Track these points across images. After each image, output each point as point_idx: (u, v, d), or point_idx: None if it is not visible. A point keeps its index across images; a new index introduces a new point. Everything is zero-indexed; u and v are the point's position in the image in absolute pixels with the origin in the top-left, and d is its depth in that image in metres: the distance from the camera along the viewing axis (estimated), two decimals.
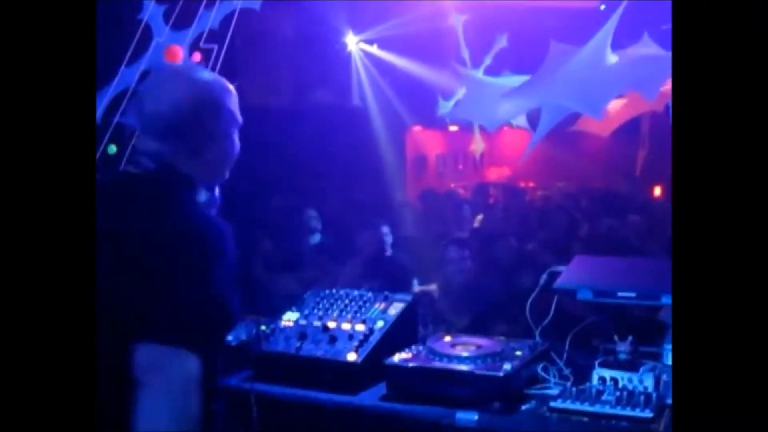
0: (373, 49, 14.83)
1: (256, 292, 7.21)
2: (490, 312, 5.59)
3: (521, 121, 13.20)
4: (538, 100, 10.03)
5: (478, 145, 18.55)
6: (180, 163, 2.72)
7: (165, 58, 7.43)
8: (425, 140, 18.88)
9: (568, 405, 3.27)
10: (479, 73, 12.51)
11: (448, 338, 3.75)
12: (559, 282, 3.74)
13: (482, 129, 14.54)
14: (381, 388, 3.55)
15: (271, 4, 8.33)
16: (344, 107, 14.80)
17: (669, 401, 3.25)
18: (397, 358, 3.56)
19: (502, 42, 13.32)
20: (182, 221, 2.60)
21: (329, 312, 3.94)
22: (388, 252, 8.47)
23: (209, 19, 7.62)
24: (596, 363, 3.49)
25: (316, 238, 9.60)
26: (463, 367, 3.43)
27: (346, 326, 3.80)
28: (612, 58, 8.87)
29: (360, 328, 3.77)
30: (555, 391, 3.43)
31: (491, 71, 12.61)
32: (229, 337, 3.97)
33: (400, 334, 3.79)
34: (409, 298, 3.98)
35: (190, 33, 7.50)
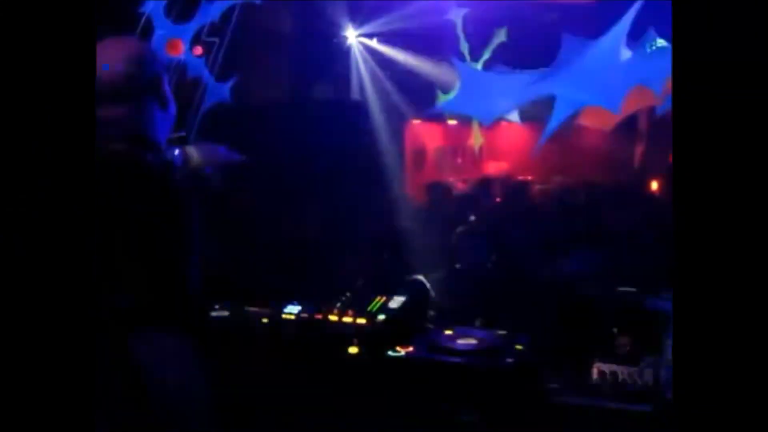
0: (373, 43, 14.83)
1: (257, 286, 7.22)
2: (491, 305, 5.59)
3: (514, 116, 13.22)
4: (553, 93, 10.02)
5: (477, 138, 18.58)
6: (139, 125, 2.77)
7: (166, 51, 7.45)
8: (424, 134, 18.85)
9: (569, 399, 3.28)
10: (478, 67, 12.52)
11: (449, 332, 3.75)
12: (560, 276, 3.76)
13: (481, 122, 14.58)
14: (383, 381, 3.56)
15: None
16: (343, 101, 14.79)
17: (669, 395, 3.26)
18: (399, 351, 3.57)
19: (501, 36, 13.33)
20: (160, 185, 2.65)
21: (331, 305, 3.94)
22: (389, 245, 8.47)
23: (210, 12, 7.63)
24: (596, 357, 3.49)
25: (316, 231, 9.60)
26: (465, 361, 3.44)
27: (347, 319, 3.81)
28: (626, 53, 8.89)
29: (362, 321, 3.77)
30: (555, 385, 3.44)
31: (490, 65, 12.63)
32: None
33: (401, 327, 3.79)
34: (410, 291, 3.98)
35: (192, 26, 7.50)
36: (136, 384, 2.57)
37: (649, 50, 8.89)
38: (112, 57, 2.76)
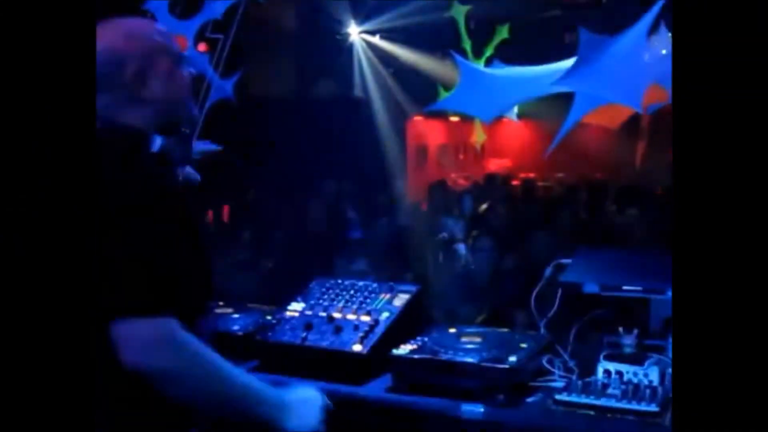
0: (376, 40, 14.84)
1: (258, 281, 7.23)
2: (495, 304, 5.59)
3: (512, 115, 13.21)
4: (572, 90, 10.01)
5: (479, 135, 18.58)
6: (118, 116, 2.71)
7: None
8: (426, 130, 18.89)
9: (574, 398, 3.27)
10: (480, 64, 12.52)
11: (453, 330, 3.75)
12: (565, 275, 3.74)
13: (482, 120, 14.57)
14: (386, 380, 3.56)
15: None
16: (346, 97, 14.80)
17: None
18: (403, 349, 3.56)
19: (503, 33, 13.33)
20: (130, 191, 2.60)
21: (334, 302, 3.93)
22: (390, 242, 8.48)
23: (214, 9, 7.64)
24: (601, 356, 3.48)
25: (320, 227, 9.61)
26: (469, 359, 3.43)
27: (351, 317, 3.80)
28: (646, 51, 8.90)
29: (365, 318, 3.77)
30: (560, 384, 3.43)
31: (492, 62, 12.62)
32: (235, 327, 3.99)
33: (405, 325, 3.78)
34: (414, 289, 3.98)
35: (196, 23, 7.51)
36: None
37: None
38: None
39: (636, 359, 3.45)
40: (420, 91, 14.44)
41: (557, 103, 13.68)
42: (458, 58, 12.11)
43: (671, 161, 2.35)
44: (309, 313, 3.89)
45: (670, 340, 3.60)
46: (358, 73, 14.91)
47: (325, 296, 3.99)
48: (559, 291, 3.78)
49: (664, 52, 8.96)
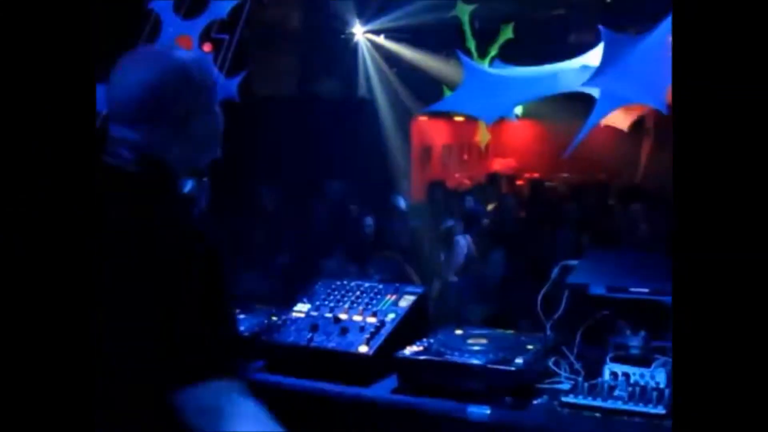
0: (380, 40, 14.83)
1: (260, 282, 7.23)
2: (501, 305, 5.59)
3: (512, 115, 13.17)
4: (595, 90, 9.99)
5: (483, 135, 18.56)
6: (157, 150, 2.61)
7: None
8: (431, 130, 18.87)
9: (580, 400, 3.26)
10: (485, 64, 12.51)
11: (459, 331, 3.74)
12: (571, 276, 3.73)
13: (486, 121, 14.54)
14: (392, 381, 3.55)
15: None
16: (351, 97, 14.80)
17: None
18: (409, 350, 3.55)
19: (507, 33, 13.32)
20: (168, 229, 2.50)
21: (340, 303, 3.93)
22: (395, 242, 8.47)
23: (220, 9, 7.63)
24: (608, 358, 3.48)
25: (323, 227, 9.61)
26: (475, 361, 3.43)
27: (357, 318, 3.80)
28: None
29: (371, 320, 3.77)
30: (566, 386, 3.42)
31: (497, 62, 12.60)
32: (241, 327, 3.98)
33: (411, 326, 3.78)
34: (420, 290, 3.97)
35: (201, 23, 7.50)
36: None
37: None
38: (131, 73, 2.62)
39: (643, 361, 3.44)
40: (424, 91, 14.42)
41: (562, 103, 13.69)
42: (462, 57, 12.10)
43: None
44: (315, 314, 3.89)
45: None
46: (363, 72, 14.91)
47: (331, 297, 3.99)
48: (566, 292, 3.78)
49: None
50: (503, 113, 13.06)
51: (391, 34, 14.67)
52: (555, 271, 3.89)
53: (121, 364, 2.46)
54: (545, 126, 18.87)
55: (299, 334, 3.77)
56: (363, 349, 3.61)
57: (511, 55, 12.90)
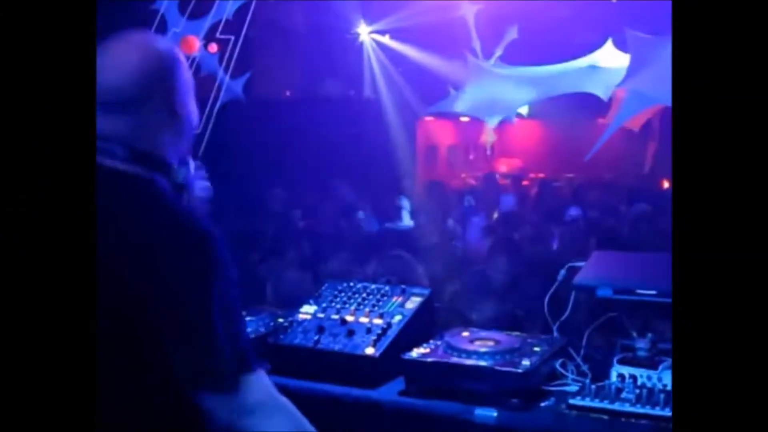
0: (386, 40, 14.83)
1: (265, 283, 7.21)
2: (508, 307, 5.58)
3: (512, 116, 13.14)
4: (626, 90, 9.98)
5: (489, 135, 18.55)
6: (146, 141, 2.55)
7: (180, 49, 7.44)
8: (436, 131, 18.87)
9: (587, 402, 3.26)
10: (490, 64, 12.49)
11: (466, 333, 3.73)
12: (578, 278, 3.72)
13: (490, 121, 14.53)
14: (399, 383, 3.55)
15: None
16: (356, 97, 14.80)
17: None
18: (415, 352, 3.55)
19: (513, 33, 13.31)
20: (171, 226, 2.48)
21: (347, 305, 3.92)
22: (401, 243, 8.45)
23: (225, 9, 7.63)
24: (615, 360, 3.47)
25: (330, 227, 9.60)
26: (482, 363, 3.42)
27: (363, 320, 3.79)
28: None
29: (378, 321, 3.76)
30: (573, 388, 3.42)
31: (502, 62, 12.59)
32: (247, 329, 3.97)
33: (417, 328, 3.77)
34: (426, 292, 3.97)
35: (206, 23, 7.50)
36: None
37: None
38: (115, 59, 2.56)
39: (650, 363, 3.43)
40: (430, 91, 14.41)
41: (568, 103, 13.68)
42: (468, 58, 12.09)
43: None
44: (321, 315, 3.88)
45: None
46: (368, 72, 14.90)
47: (338, 299, 3.98)
48: (573, 294, 3.77)
49: None
50: (507, 114, 13.06)
51: (397, 34, 14.66)
52: (562, 273, 3.88)
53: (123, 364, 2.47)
54: (551, 126, 18.87)
55: (306, 336, 3.76)
56: (370, 350, 3.61)
57: (516, 55, 12.89)
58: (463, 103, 12.81)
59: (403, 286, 4.01)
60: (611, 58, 11.81)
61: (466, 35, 13.49)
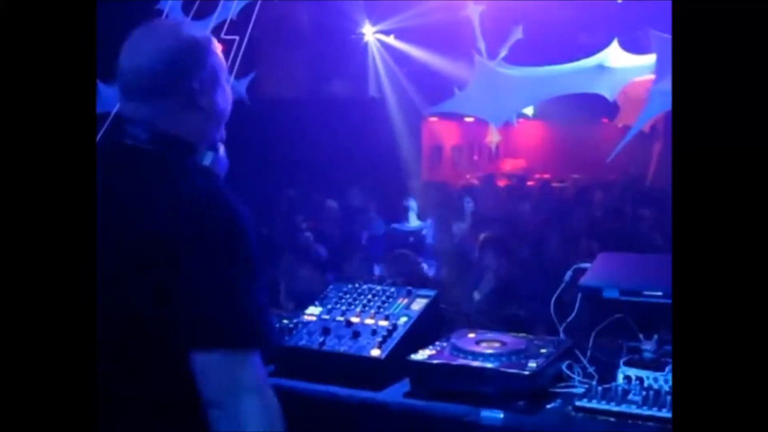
0: (390, 40, 14.82)
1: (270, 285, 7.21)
2: (514, 308, 5.56)
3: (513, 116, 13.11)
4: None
5: (493, 136, 18.54)
6: (171, 125, 2.59)
7: None
8: (441, 131, 18.88)
9: (594, 404, 3.24)
10: (494, 65, 12.46)
11: (472, 335, 3.71)
12: (584, 280, 3.71)
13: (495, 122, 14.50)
14: (404, 385, 3.53)
15: None
16: (361, 98, 14.79)
17: None
18: (421, 354, 3.53)
19: (518, 33, 13.29)
20: (195, 202, 2.48)
21: (352, 307, 3.91)
22: (405, 244, 8.45)
23: (229, 9, 7.61)
24: (621, 362, 3.45)
25: (335, 228, 9.59)
26: (488, 365, 3.40)
27: (369, 321, 3.78)
28: None
29: (383, 323, 3.74)
30: (580, 390, 3.40)
31: (507, 62, 12.57)
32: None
33: (423, 330, 3.76)
34: (432, 293, 3.95)
35: (210, 23, 7.48)
36: None
37: None
38: (141, 45, 2.59)
39: (657, 365, 3.41)
40: (434, 91, 14.40)
41: (573, 103, 13.66)
42: (473, 58, 12.07)
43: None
44: (326, 317, 3.87)
45: None
46: (373, 73, 14.90)
47: (343, 300, 3.96)
48: (579, 296, 3.75)
49: None
50: (511, 115, 13.04)
51: (402, 34, 14.65)
52: (568, 274, 3.87)
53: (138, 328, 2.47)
54: (556, 127, 18.86)
55: (311, 337, 3.75)
56: (375, 352, 3.59)
57: (520, 55, 12.87)
58: (467, 104, 12.78)
59: (408, 288, 4.00)
60: (617, 59, 11.78)
61: (471, 35, 13.46)
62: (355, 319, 3.80)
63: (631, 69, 11.72)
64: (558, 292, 3.82)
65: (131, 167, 2.57)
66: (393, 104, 14.55)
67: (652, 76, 10.09)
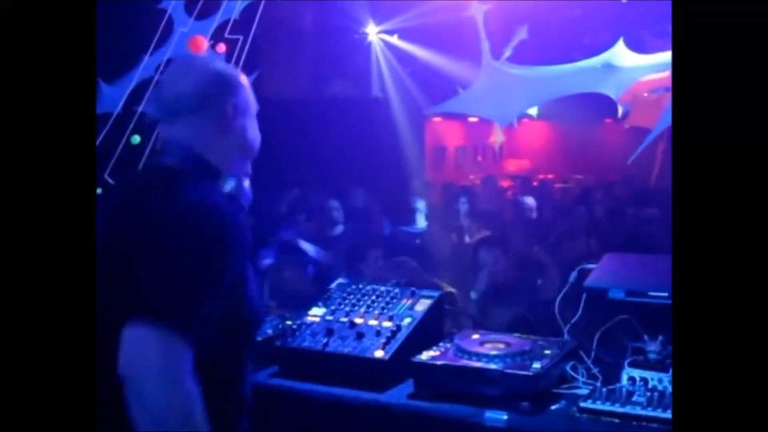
0: (394, 40, 14.81)
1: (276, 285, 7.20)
2: (518, 309, 5.55)
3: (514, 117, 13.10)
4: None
5: (497, 136, 18.53)
6: (205, 148, 2.75)
7: (189, 48, 7.43)
8: (445, 131, 18.86)
9: (599, 405, 3.23)
10: (498, 65, 12.46)
11: (476, 336, 3.70)
12: (589, 281, 3.70)
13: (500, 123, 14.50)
14: (408, 386, 3.52)
15: None
16: (364, 98, 14.77)
17: None
18: (425, 355, 3.52)
19: (522, 34, 13.28)
20: (188, 207, 2.57)
21: (356, 308, 3.90)
22: (411, 246, 8.44)
23: (233, 9, 7.61)
24: (626, 363, 3.44)
25: (338, 230, 9.57)
26: (492, 366, 3.39)
27: (373, 322, 3.77)
28: None
29: (387, 324, 3.73)
30: (584, 391, 3.39)
31: (511, 63, 12.57)
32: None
33: (427, 331, 3.75)
34: (436, 294, 3.94)
35: (214, 23, 7.48)
36: None
37: None
38: (177, 76, 2.80)
39: (661, 366, 3.40)
40: (438, 91, 14.39)
41: (577, 103, 13.64)
42: (477, 57, 12.07)
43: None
44: (330, 318, 3.86)
45: None
46: (376, 72, 14.88)
47: (347, 301, 3.96)
48: (584, 296, 3.74)
49: None
50: (518, 113, 13.03)
51: (405, 34, 14.64)
52: (573, 275, 3.86)
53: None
54: (560, 127, 18.85)
55: (314, 338, 3.74)
56: (379, 353, 3.58)
57: (525, 55, 12.86)
58: (471, 104, 12.78)
59: (412, 289, 3.99)
60: (623, 58, 11.77)
61: (475, 35, 13.45)
62: (358, 320, 3.79)
63: (637, 68, 11.71)
64: (563, 292, 3.81)
65: (165, 184, 2.67)
66: (396, 104, 14.53)
67: (658, 76, 10.08)
